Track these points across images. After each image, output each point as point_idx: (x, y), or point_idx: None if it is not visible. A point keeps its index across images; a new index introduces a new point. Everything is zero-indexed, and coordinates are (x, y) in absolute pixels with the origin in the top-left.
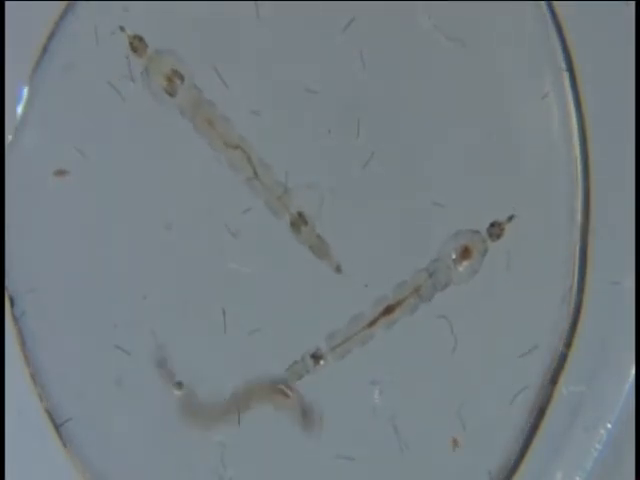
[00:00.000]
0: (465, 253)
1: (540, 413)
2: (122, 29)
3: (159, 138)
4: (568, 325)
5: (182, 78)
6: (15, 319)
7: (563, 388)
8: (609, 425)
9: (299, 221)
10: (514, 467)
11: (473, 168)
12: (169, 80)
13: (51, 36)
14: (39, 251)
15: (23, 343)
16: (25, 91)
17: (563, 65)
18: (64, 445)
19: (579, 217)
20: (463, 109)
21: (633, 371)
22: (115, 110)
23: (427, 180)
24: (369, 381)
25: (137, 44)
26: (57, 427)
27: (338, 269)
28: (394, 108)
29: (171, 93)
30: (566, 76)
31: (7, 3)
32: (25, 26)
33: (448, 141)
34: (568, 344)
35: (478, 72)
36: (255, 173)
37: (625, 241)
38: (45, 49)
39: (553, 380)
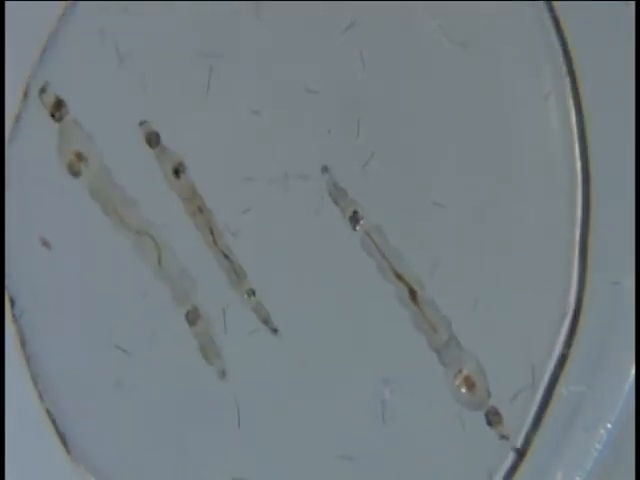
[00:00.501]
0: None
1: (540, 413)
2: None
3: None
4: (568, 325)
5: (87, 162)
6: (15, 319)
7: (563, 388)
8: (609, 425)
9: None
10: (514, 467)
11: (473, 168)
12: (74, 161)
13: (51, 36)
14: (39, 251)
15: (23, 343)
16: (25, 91)
17: (563, 67)
18: (64, 445)
19: (579, 217)
20: (463, 109)
21: (633, 371)
22: (115, 109)
23: (427, 180)
24: (381, 379)
25: (58, 112)
26: (57, 427)
27: None
28: (394, 108)
29: (76, 173)
30: (566, 78)
31: (7, 3)
32: (25, 26)
33: (448, 141)
34: (568, 344)
35: (478, 72)
36: (160, 260)
37: (625, 241)
38: (45, 49)
39: (553, 380)
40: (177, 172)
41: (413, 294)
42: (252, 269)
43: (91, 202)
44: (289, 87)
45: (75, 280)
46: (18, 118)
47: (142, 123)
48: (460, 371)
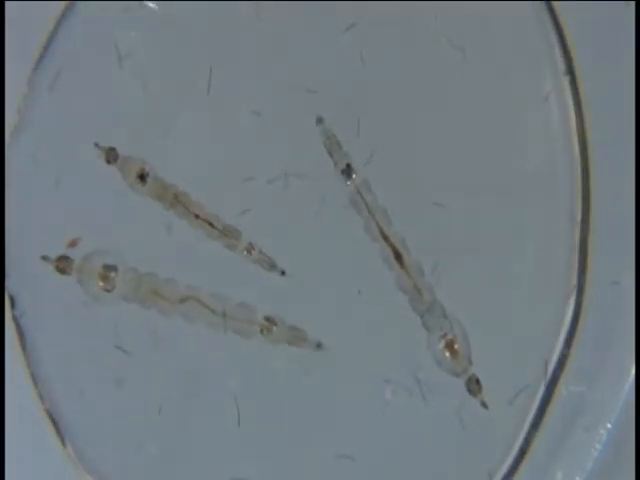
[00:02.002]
0: None
1: (540, 413)
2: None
3: (159, 137)
4: (568, 325)
5: (115, 269)
6: (15, 319)
7: (563, 388)
8: (609, 425)
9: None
10: (514, 467)
11: (473, 168)
12: (104, 278)
13: (51, 36)
14: (39, 251)
15: (23, 343)
16: (25, 91)
17: (563, 67)
18: (64, 445)
19: (579, 217)
20: (463, 109)
21: (633, 371)
22: (115, 109)
23: (427, 180)
24: (383, 379)
25: (63, 265)
26: (57, 427)
27: None
28: (394, 108)
29: (109, 289)
30: (566, 78)
31: (7, 3)
32: (25, 26)
33: (448, 141)
34: (568, 344)
35: (479, 73)
36: (214, 312)
37: (625, 241)
38: (45, 49)
39: (553, 380)
40: (142, 177)
41: (399, 256)
42: (252, 268)
43: (90, 203)
44: (289, 87)
45: (75, 280)
46: (19, 119)
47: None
48: (444, 335)
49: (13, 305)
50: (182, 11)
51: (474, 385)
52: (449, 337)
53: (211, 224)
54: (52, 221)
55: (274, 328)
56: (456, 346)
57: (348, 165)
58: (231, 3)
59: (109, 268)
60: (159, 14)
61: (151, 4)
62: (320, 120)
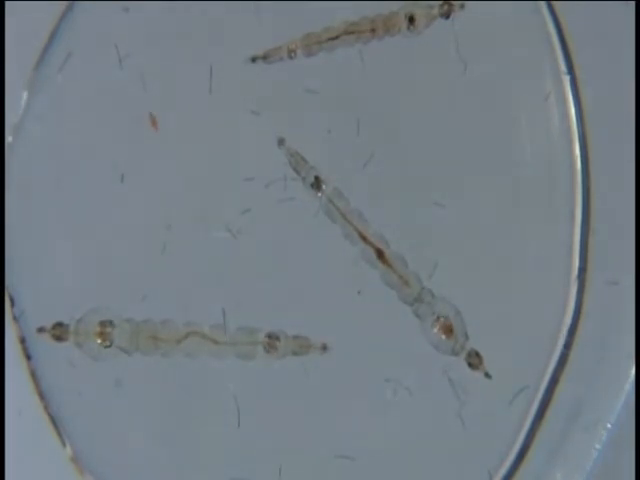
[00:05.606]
0: None
1: (540, 413)
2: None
3: (159, 137)
4: (568, 325)
5: (112, 323)
6: (15, 319)
7: (563, 388)
8: (609, 425)
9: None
10: (514, 467)
11: (473, 168)
12: (102, 334)
13: (51, 36)
14: (39, 251)
15: (23, 343)
16: (25, 91)
17: (563, 67)
18: (64, 445)
19: (579, 217)
20: (463, 109)
21: (633, 371)
22: (115, 109)
23: (427, 180)
24: (383, 379)
25: (59, 332)
26: (57, 427)
27: None
28: (394, 108)
29: (108, 344)
30: (567, 78)
31: (7, 3)
32: (25, 26)
33: (448, 141)
34: (568, 344)
35: (479, 72)
36: (216, 342)
37: (624, 241)
38: (45, 49)
39: (553, 380)
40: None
41: (380, 253)
42: (252, 269)
43: (91, 203)
44: (289, 87)
45: (75, 280)
46: (20, 118)
47: None
48: (437, 319)
49: (13, 305)
50: (182, 11)
51: (475, 359)
52: (442, 319)
53: None
54: (52, 221)
55: (277, 343)
56: (450, 324)
57: (316, 178)
58: (231, 3)
59: (105, 324)
60: (159, 14)
61: None
62: (281, 142)
